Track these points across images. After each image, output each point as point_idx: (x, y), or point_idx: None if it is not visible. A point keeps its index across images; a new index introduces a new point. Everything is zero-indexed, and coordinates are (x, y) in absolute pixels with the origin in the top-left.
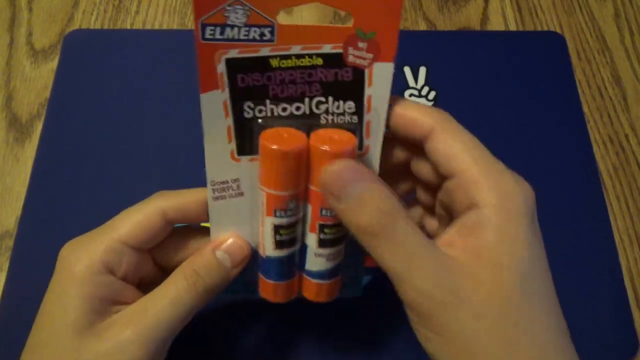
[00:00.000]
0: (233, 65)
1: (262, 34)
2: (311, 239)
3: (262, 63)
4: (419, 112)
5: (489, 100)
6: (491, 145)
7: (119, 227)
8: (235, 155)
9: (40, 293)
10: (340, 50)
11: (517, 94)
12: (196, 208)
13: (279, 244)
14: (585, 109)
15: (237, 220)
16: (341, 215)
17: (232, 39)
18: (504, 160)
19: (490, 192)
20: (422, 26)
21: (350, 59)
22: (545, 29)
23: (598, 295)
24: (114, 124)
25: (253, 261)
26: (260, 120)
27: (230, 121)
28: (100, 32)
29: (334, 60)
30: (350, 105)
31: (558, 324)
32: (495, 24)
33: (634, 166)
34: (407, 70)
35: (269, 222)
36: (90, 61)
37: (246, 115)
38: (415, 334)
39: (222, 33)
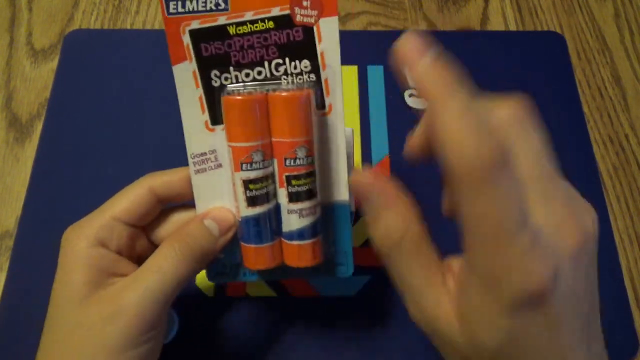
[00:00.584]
0: (196, 36)
1: (217, 4)
2: (282, 196)
3: (221, 31)
4: None
5: None
6: None
7: (111, 206)
8: (210, 125)
9: (40, 293)
10: (288, 12)
11: (517, 94)
12: (181, 184)
13: (250, 200)
14: (585, 109)
15: (220, 193)
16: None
17: (193, 11)
18: None
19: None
20: (422, 26)
21: (298, 18)
22: (545, 29)
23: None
24: (114, 124)
25: (237, 241)
26: (228, 87)
27: (201, 91)
28: (100, 32)
29: (284, 22)
30: (305, 63)
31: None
32: (495, 24)
33: (634, 166)
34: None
35: (238, 178)
36: (90, 61)
37: (214, 84)
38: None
39: (183, 6)
